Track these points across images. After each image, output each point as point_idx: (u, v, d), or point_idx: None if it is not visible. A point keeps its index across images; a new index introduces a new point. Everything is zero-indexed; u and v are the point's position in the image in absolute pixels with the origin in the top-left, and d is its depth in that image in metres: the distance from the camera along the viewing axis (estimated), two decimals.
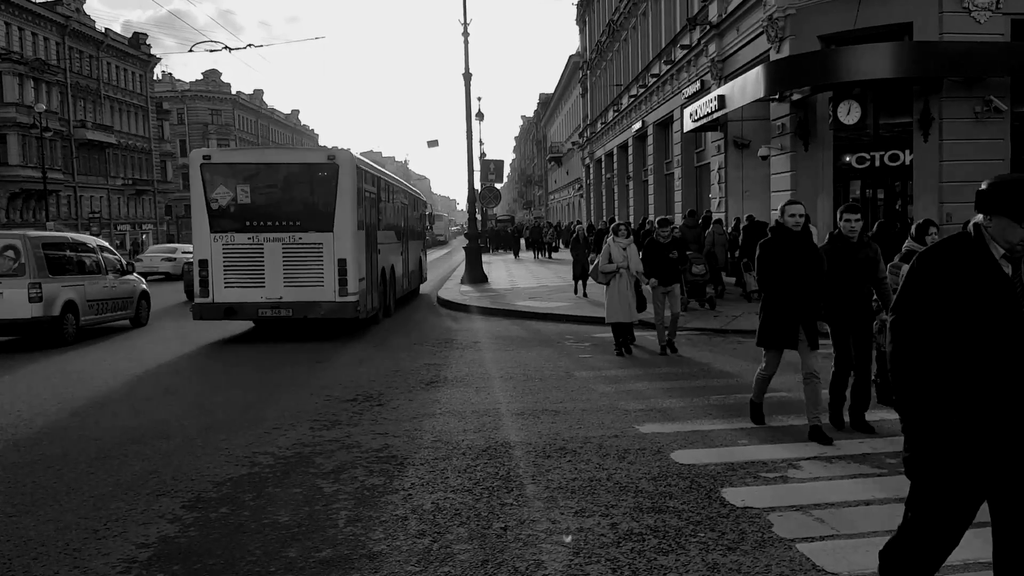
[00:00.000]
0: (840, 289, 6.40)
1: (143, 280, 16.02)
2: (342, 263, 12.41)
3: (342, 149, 13.48)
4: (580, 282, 18.25)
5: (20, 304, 11.94)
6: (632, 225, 26.27)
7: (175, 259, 28.28)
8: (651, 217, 26.80)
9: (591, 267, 12.23)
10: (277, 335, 13.41)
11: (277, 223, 12.40)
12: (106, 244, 15.98)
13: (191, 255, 14.22)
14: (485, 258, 27.06)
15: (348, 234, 12.51)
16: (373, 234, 14.29)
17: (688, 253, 13.16)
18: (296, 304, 12.36)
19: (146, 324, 15.34)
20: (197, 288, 12.63)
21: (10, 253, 12.18)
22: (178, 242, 64.40)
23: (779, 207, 6.51)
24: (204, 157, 12.70)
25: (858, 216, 6.43)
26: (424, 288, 22.19)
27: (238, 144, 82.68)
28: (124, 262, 15.40)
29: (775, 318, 6.35)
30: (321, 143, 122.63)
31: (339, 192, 12.47)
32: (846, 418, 6.61)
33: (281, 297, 12.38)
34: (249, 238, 12.39)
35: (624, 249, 10.44)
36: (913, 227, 7.25)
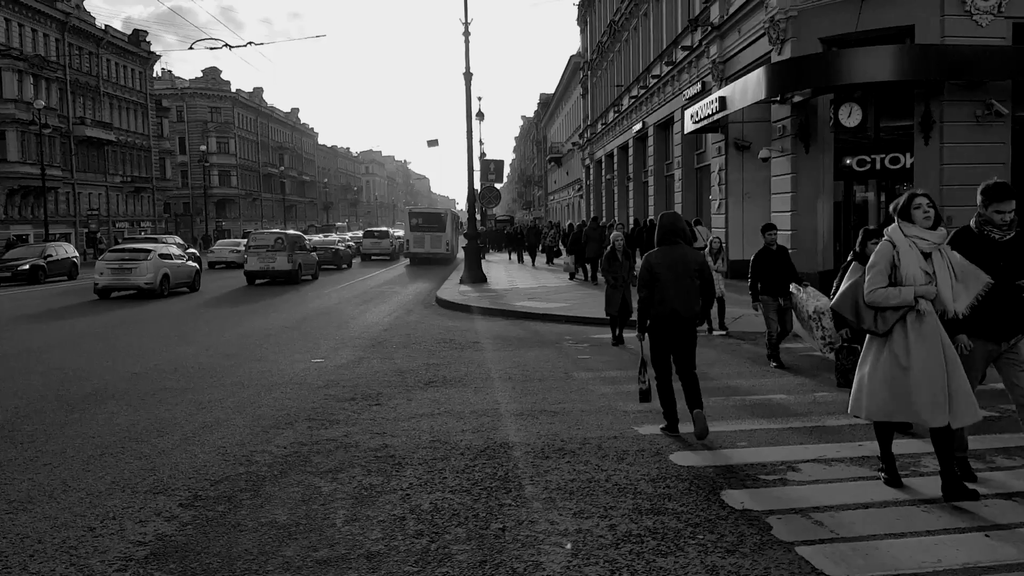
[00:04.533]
0: None
1: (315, 255, 28.87)
2: (448, 243, 37.35)
3: (449, 207, 54.07)
4: (618, 326, 11.77)
5: (284, 264, 24.94)
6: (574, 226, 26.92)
7: (240, 251, 34.60)
8: (652, 217, 26.85)
9: (832, 298, 7.40)
10: (420, 264, 35.44)
11: (429, 227, 37.05)
12: (303, 235, 31.23)
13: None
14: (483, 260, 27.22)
15: (449, 232, 37.54)
16: (454, 232, 39.25)
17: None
18: (433, 254, 36.18)
19: (318, 279, 27.57)
20: (405, 248, 38.69)
21: (280, 239, 25.46)
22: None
23: None
24: (409, 209, 44.83)
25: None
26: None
27: (238, 142, 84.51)
28: (312, 245, 29.84)
29: None
30: (320, 142, 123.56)
31: (448, 220, 38.13)
32: None
33: (429, 251, 36.25)
34: (421, 233, 36.81)
35: (927, 256, 4.90)
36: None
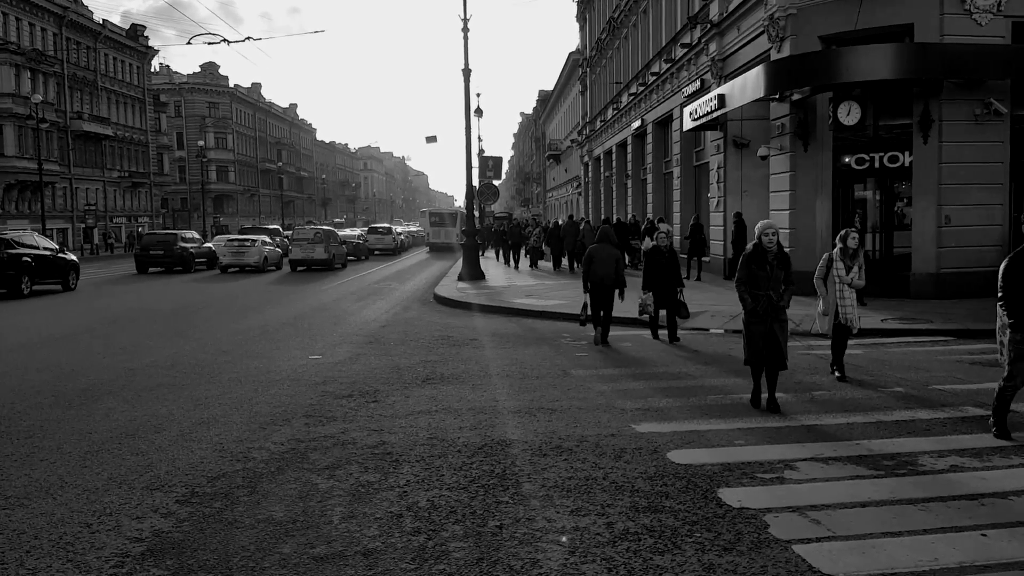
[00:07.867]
0: None
1: (345, 246, 33.69)
2: (456, 235, 43.23)
3: (457, 208, 59.89)
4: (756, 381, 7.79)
5: (321, 254, 29.50)
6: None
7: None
8: (651, 216, 26.86)
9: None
10: (436, 251, 46.49)
11: (442, 224, 50.90)
12: (335, 230, 35.86)
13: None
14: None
15: (457, 228, 45.21)
16: (460, 226, 40.41)
17: None
18: (444, 243, 47.12)
19: (346, 267, 31.82)
20: (426, 239, 52.49)
21: (318, 233, 30.50)
22: None
23: None
24: (428, 210, 61.14)
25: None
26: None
27: (235, 138, 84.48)
28: (343, 239, 34.52)
29: None
30: (318, 138, 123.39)
31: (457, 218, 48.11)
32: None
33: (443, 241, 47.75)
34: (437, 228, 50.50)
35: None
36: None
